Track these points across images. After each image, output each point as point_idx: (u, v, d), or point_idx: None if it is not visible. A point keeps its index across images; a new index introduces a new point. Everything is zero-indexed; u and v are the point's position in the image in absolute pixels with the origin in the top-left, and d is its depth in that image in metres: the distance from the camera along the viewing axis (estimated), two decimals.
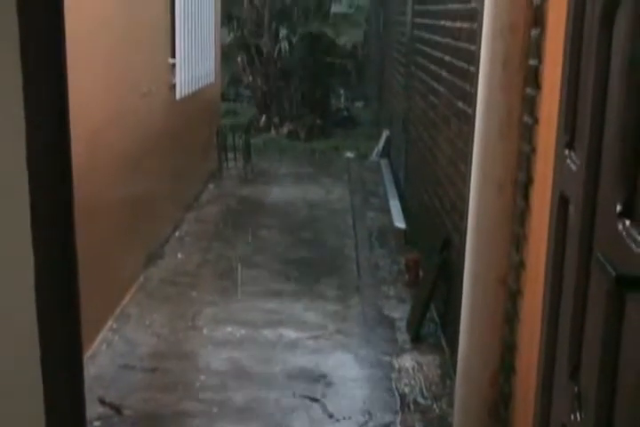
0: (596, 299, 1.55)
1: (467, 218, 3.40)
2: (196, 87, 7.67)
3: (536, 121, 2.87)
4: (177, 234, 7.02)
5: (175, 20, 6.79)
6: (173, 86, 6.83)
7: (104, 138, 4.85)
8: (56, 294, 1.86)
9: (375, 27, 13.31)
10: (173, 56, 6.83)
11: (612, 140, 1.52)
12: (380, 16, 12.49)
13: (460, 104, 4.58)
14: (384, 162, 9.91)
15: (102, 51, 4.83)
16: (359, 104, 15.00)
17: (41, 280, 1.77)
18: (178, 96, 6.88)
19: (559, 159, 1.89)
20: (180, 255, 6.45)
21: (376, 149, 10.59)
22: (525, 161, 2.98)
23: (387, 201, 8.00)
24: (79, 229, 1.95)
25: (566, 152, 1.83)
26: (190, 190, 8.10)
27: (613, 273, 1.39)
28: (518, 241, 3.06)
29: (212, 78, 8.79)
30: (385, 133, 10.45)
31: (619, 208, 1.33)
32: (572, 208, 1.80)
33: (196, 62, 7.57)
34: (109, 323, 4.96)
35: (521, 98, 2.97)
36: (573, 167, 1.74)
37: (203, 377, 4.34)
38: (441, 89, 5.46)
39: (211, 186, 8.95)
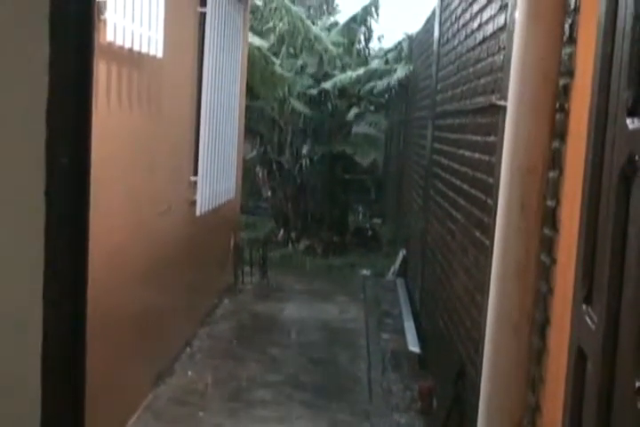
0: None
1: (482, 351, 3.34)
2: (217, 204, 7.77)
3: (554, 261, 2.87)
4: (188, 350, 6.95)
5: (199, 138, 6.95)
6: (194, 203, 6.92)
7: (122, 254, 4.88)
8: (60, 411, 1.82)
9: (395, 147, 13.58)
10: (195, 173, 6.95)
11: (631, 300, 1.51)
12: (400, 137, 12.75)
13: (478, 234, 4.59)
14: (400, 281, 9.88)
15: (125, 169, 4.93)
16: (377, 221, 15.11)
17: (46, 398, 1.73)
18: (198, 213, 6.96)
19: (577, 314, 1.87)
20: (190, 373, 6.36)
21: (392, 268, 10.59)
22: (542, 301, 2.96)
23: (402, 322, 7.92)
24: (89, 345, 1.92)
25: (584, 307, 1.82)
26: (205, 305, 8.08)
27: None
28: (534, 383, 3.00)
29: (232, 194, 8.92)
30: (402, 253, 10.47)
31: (637, 384, 1.30)
32: (590, 365, 1.77)
33: (217, 180, 7.70)
34: None
35: (538, 238, 2.97)
36: (592, 325, 1.72)
37: None
38: (458, 216, 5.50)
39: (226, 301, 8.92)
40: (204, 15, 6.86)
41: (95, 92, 4.15)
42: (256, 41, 11.10)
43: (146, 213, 5.45)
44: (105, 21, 4.17)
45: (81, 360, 1.91)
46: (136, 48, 4.72)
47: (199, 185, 6.93)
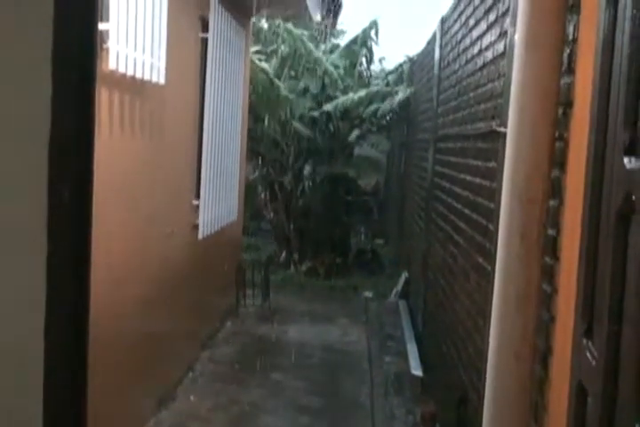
0: None
1: (484, 377, 3.34)
2: (219, 226, 7.78)
3: (555, 290, 2.87)
4: (190, 375, 6.93)
5: (202, 162, 6.98)
6: (196, 226, 6.93)
7: (123, 279, 4.89)
8: None
9: (397, 168, 13.60)
10: (198, 197, 6.98)
11: (631, 338, 1.52)
12: (401, 159, 12.78)
13: (480, 259, 4.60)
14: (402, 303, 9.87)
15: (127, 194, 4.95)
16: (379, 241, 15.10)
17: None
18: (200, 236, 6.98)
19: (577, 348, 1.88)
20: (192, 398, 6.34)
21: (395, 290, 10.57)
22: (544, 329, 2.96)
23: (404, 345, 7.90)
24: (90, 370, 1.92)
25: (584, 342, 1.82)
26: (207, 328, 8.07)
27: None
28: (537, 411, 2.99)
29: (234, 216, 8.93)
30: (404, 275, 10.47)
31: None
32: (590, 400, 1.77)
33: (219, 202, 7.72)
34: None
35: (539, 267, 2.98)
36: (592, 360, 1.72)
37: None
38: (460, 240, 5.51)
39: (228, 323, 8.91)
40: (205, 40, 6.91)
41: (98, 120, 4.18)
42: (262, 63, 11.18)
43: (148, 237, 5.47)
44: (107, 50, 4.21)
45: (82, 386, 1.91)
46: (138, 75, 4.75)
47: (201, 209, 6.95)
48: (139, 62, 4.71)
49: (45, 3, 1.34)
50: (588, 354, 1.78)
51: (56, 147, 1.84)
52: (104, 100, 4.35)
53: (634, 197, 1.44)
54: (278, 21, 11.71)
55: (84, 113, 1.87)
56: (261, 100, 11.18)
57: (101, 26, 4.10)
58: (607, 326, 1.63)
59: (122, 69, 4.43)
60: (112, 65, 4.27)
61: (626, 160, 1.50)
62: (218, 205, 7.68)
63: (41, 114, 1.61)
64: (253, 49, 11.25)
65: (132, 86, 4.85)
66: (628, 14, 1.64)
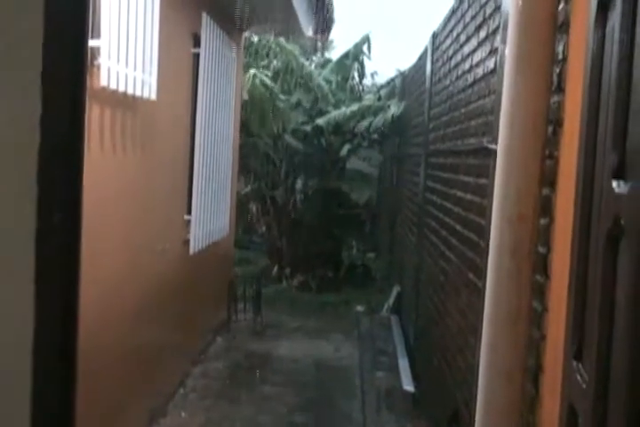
0: None
1: (476, 394, 3.33)
2: (210, 241, 7.77)
3: (545, 308, 2.87)
4: (182, 390, 6.90)
5: (193, 177, 6.98)
6: (187, 242, 6.92)
7: (114, 294, 4.88)
8: None
9: (389, 182, 13.62)
10: (189, 212, 6.97)
11: (620, 362, 1.51)
12: (393, 173, 12.80)
13: (471, 275, 4.60)
14: (394, 318, 9.85)
15: (118, 210, 4.94)
16: (371, 255, 15.09)
17: None
18: (191, 251, 6.96)
19: (567, 370, 1.87)
20: (183, 414, 6.31)
21: (386, 305, 10.56)
22: (535, 348, 2.96)
23: (396, 360, 7.89)
24: (79, 385, 1.91)
25: (574, 364, 1.82)
26: (199, 343, 8.04)
27: None
28: None
29: (226, 231, 8.92)
30: (396, 289, 10.45)
31: None
32: (581, 422, 1.77)
33: (211, 217, 7.71)
34: None
35: (530, 285, 2.98)
36: (582, 383, 1.72)
37: None
38: (451, 256, 5.51)
39: (219, 338, 8.88)
40: (197, 55, 6.93)
41: (89, 136, 4.18)
42: (263, 76, 11.21)
43: (139, 252, 5.45)
44: (99, 66, 4.21)
45: (71, 401, 1.89)
46: (130, 92, 4.75)
47: (193, 224, 6.94)
48: (130, 78, 4.72)
49: (35, 19, 1.34)
50: (578, 376, 1.77)
51: (45, 165, 1.83)
52: (95, 116, 4.34)
53: (622, 222, 1.44)
54: (270, 36, 11.75)
55: (74, 131, 1.86)
56: (255, 114, 11.19)
57: (92, 42, 4.10)
58: (597, 349, 1.62)
59: (113, 86, 4.43)
60: (103, 82, 4.27)
61: (614, 184, 1.50)
62: (209, 220, 7.66)
63: (30, 133, 1.60)
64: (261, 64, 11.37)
65: (124, 102, 4.84)
66: (616, 37, 1.65)
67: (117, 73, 4.47)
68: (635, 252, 1.42)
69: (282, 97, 11.47)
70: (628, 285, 1.47)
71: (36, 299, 1.75)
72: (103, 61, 4.24)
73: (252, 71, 11.14)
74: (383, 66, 14.06)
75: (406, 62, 11.79)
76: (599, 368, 1.61)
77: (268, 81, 11.25)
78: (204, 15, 6.87)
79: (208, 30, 7.01)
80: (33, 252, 1.73)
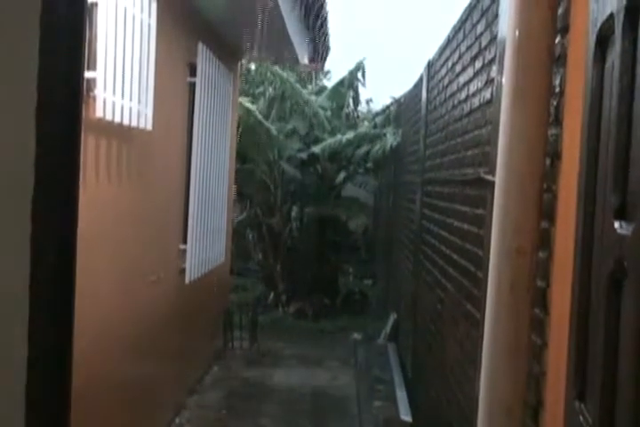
0: None
1: None
2: (206, 269, 7.73)
3: (545, 344, 2.84)
4: (177, 420, 6.83)
5: (189, 206, 6.96)
6: (183, 271, 6.88)
7: (109, 324, 4.84)
8: None
9: (385, 209, 13.61)
10: (185, 242, 6.93)
11: (625, 407, 1.48)
12: (389, 200, 12.79)
13: (468, 306, 4.57)
14: (391, 346, 9.79)
15: (113, 240, 4.91)
16: (368, 282, 15.04)
17: None
18: (187, 280, 6.92)
19: (570, 412, 1.84)
20: None
21: (383, 332, 10.50)
22: (535, 383, 2.92)
23: (393, 389, 7.82)
24: (73, 417, 1.87)
25: (577, 405, 1.78)
26: (194, 373, 7.97)
27: None
28: None
29: (221, 259, 8.88)
30: (392, 317, 10.40)
31: None
32: None
33: (206, 246, 7.67)
34: None
35: (529, 319, 2.95)
36: (586, 426, 1.69)
37: None
38: (448, 285, 5.47)
39: (215, 368, 8.80)
40: (193, 85, 6.93)
41: (84, 167, 4.16)
42: (251, 106, 11.24)
43: (134, 282, 5.42)
44: (95, 98, 4.20)
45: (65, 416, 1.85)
46: (125, 122, 4.75)
47: (188, 253, 6.90)
48: (126, 109, 4.71)
49: (30, 51, 1.32)
50: (581, 418, 1.74)
51: (40, 200, 1.81)
52: (91, 147, 4.33)
53: (625, 263, 1.42)
54: (266, 64, 11.79)
55: (70, 163, 1.84)
56: (250, 142, 11.20)
57: (88, 74, 4.09)
58: (600, 392, 1.59)
59: (109, 117, 4.42)
60: (99, 113, 4.26)
61: (616, 224, 1.48)
62: (205, 249, 7.63)
63: (25, 163, 1.58)
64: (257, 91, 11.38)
65: (119, 133, 4.84)
66: (615, 76, 1.63)
67: (113, 104, 4.46)
68: (639, 295, 1.39)
69: (273, 126, 11.49)
70: (632, 329, 1.45)
71: (30, 332, 1.71)
72: (99, 93, 4.23)
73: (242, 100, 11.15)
74: (378, 93, 14.08)
75: (400, 89, 11.84)
76: (603, 412, 1.57)
77: (257, 113, 11.26)
78: (200, 44, 6.89)
79: (204, 59, 7.03)
80: (28, 284, 1.69)
